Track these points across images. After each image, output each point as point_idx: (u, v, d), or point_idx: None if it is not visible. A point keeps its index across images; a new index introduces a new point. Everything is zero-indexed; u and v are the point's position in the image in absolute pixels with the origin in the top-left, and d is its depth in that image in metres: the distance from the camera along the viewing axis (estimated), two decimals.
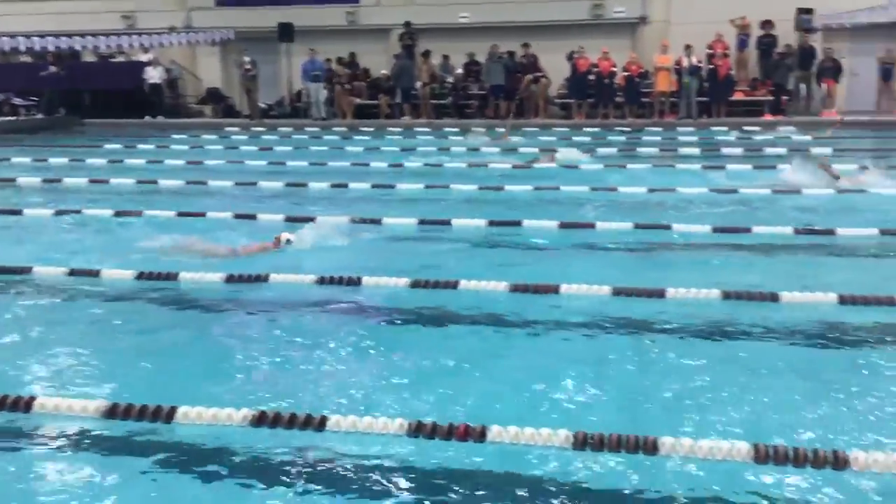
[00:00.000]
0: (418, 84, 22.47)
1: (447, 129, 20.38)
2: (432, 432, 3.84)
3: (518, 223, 8.69)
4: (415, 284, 6.35)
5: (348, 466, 3.74)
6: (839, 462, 3.36)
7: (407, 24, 22.99)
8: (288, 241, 7.51)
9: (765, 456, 3.45)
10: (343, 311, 6.02)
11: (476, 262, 7.58)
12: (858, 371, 4.82)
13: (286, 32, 23.32)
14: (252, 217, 9.24)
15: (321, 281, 6.50)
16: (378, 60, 23.74)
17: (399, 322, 5.89)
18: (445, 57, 23.04)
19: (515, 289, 6.18)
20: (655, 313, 5.78)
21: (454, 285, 6.28)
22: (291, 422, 3.96)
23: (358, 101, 23.30)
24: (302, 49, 23.06)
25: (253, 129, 21.60)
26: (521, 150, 15.85)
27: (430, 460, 3.76)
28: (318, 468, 3.75)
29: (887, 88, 20.36)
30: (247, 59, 22.69)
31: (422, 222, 8.83)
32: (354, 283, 6.45)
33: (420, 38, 23.16)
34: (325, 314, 5.99)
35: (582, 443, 3.67)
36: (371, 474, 3.67)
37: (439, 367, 4.95)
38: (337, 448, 3.88)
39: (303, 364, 5.05)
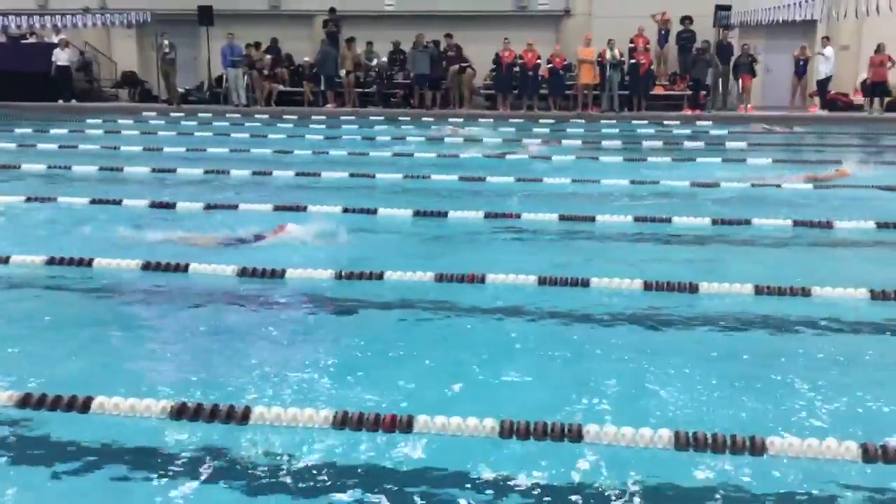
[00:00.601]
0: (342, 72, 22.25)
1: (372, 118, 20.26)
2: (359, 423, 3.80)
3: (445, 214, 8.68)
4: (339, 276, 6.28)
5: (273, 461, 3.67)
6: (756, 447, 3.45)
7: (331, 10, 22.73)
8: (293, 230, 7.51)
9: (685, 442, 3.52)
10: (267, 304, 5.92)
11: (402, 251, 7.55)
12: (774, 358, 4.96)
13: (206, 16, 22.78)
14: (171, 206, 9.00)
15: (242, 273, 6.37)
16: (302, 47, 23.40)
17: (323, 314, 5.82)
18: (370, 44, 22.88)
19: (441, 278, 6.17)
20: (580, 303, 5.85)
21: (379, 276, 6.23)
22: (213, 414, 3.87)
23: (281, 87, 22.94)
24: (223, 33, 22.57)
25: (172, 114, 21.06)
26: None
27: (356, 452, 3.72)
28: (240, 462, 3.67)
29: (800, 85, 21.05)
30: (165, 42, 22.09)
31: (346, 211, 8.74)
32: (279, 275, 6.33)
33: (344, 25, 22.93)
34: (249, 307, 5.87)
35: (509, 431, 3.69)
36: (297, 466, 3.61)
37: (365, 359, 4.91)
38: (260, 441, 3.80)
39: (224, 356, 4.94)
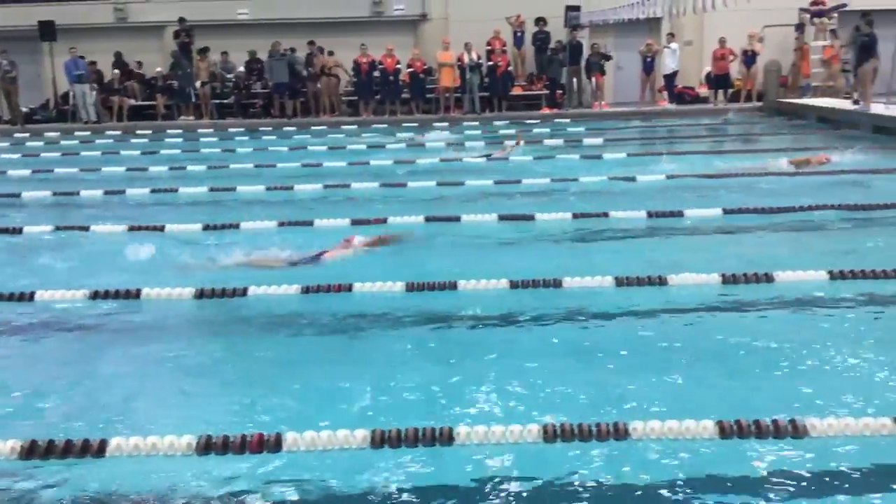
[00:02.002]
0: (197, 83, 21.62)
1: (232, 130, 19.79)
2: (224, 447, 3.67)
3: (310, 223, 8.55)
4: (200, 294, 6.07)
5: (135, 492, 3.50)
6: (620, 433, 3.55)
7: (181, 20, 22.01)
8: (360, 244, 7.30)
9: (553, 434, 3.58)
10: (124, 329, 5.65)
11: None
12: (635, 348, 5.13)
13: (48, 31, 21.62)
14: (18, 231, 8.49)
15: (94, 296, 6.06)
16: (153, 59, 22.59)
17: (182, 335, 5.61)
18: (225, 54, 22.33)
19: (307, 290, 6.07)
20: (450, 305, 5.88)
21: (243, 293, 6.06)
22: (67, 450, 3.65)
23: (132, 102, 22.08)
24: (67, 48, 21.48)
25: (15, 135, 19.89)
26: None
27: (223, 477, 3.60)
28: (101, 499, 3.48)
29: (649, 80, 21.95)
30: (4, 60, 20.85)
31: (206, 228, 8.48)
32: (133, 295, 6.07)
33: (197, 35, 22.26)
34: (105, 331, 5.60)
35: (380, 441, 3.64)
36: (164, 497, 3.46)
37: (226, 379, 4.76)
38: (118, 473, 3.62)
39: (75, 388, 4.68)
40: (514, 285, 6.12)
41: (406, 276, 6.23)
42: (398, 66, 21.38)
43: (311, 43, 21.62)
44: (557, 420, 3.71)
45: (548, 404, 4.25)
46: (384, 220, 8.51)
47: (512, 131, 17.02)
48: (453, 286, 6.11)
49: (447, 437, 3.63)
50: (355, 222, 8.46)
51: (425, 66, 21.67)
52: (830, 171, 10.96)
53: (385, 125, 20.04)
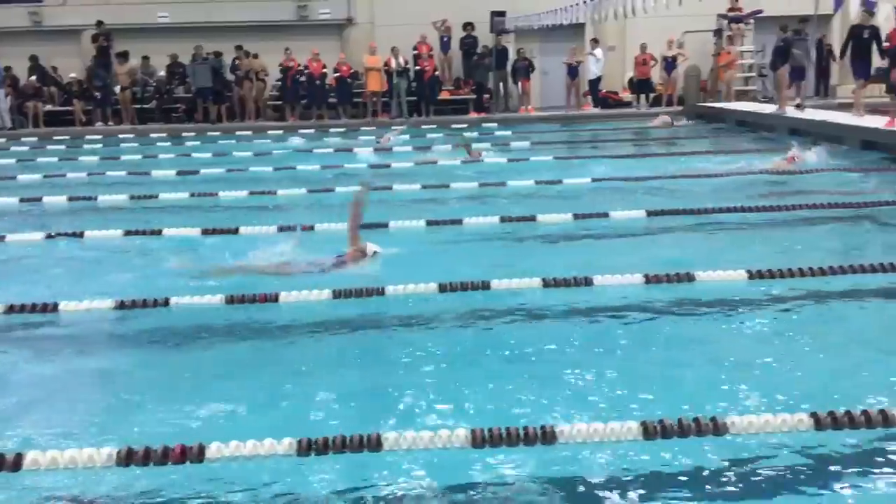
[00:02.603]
0: (117, 88, 21.09)
1: (153, 135, 19.37)
2: (146, 458, 3.57)
3: (235, 231, 8.40)
4: (121, 305, 5.90)
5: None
6: (547, 437, 3.57)
7: (99, 23, 21.43)
8: (375, 252, 7.03)
9: (481, 440, 3.58)
10: (34, 340, 5.46)
11: (193, 274, 7.19)
12: (563, 348, 5.18)
13: None
14: None
15: (10, 310, 5.84)
16: (70, 63, 21.95)
17: (105, 345, 5.45)
18: (146, 59, 21.84)
19: (232, 300, 5.96)
20: (377, 310, 5.85)
21: (165, 303, 5.91)
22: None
23: (49, 107, 21.42)
24: None
25: None
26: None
27: (147, 489, 3.50)
28: None
29: (574, 85, 22.28)
30: None
31: (128, 234, 8.26)
32: (51, 309, 5.86)
33: (116, 39, 21.70)
34: (21, 345, 5.40)
35: (307, 448, 3.59)
36: None
37: (145, 390, 4.64)
38: (34, 488, 3.48)
39: None
40: (442, 288, 6.11)
41: (333, 284, 6.17)
42: (324, 70, 21.23)
43: (239, 47, 21.33)
44: (485, 424, 3.72)
45: (477, 408, 4.25)
46: (311, 228, 8.42)
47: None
48: (381, 292, 6.08)
49: (375, 444, 3.59)
50: (281, 229, 8.35)
51: (352, 71, 21.57)
52: (750, 172, 11.27)
53: (312, 130, 19.87)
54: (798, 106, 16.63)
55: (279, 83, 21.78)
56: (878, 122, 13.79)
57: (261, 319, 5.76)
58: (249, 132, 19.61)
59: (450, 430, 3.63)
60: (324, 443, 3.61)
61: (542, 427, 3.60)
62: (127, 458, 3.56)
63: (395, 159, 14.13)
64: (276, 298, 5.96)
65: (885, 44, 13.32)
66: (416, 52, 21.77)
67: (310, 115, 21.57)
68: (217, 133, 19.54)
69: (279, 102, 21.99)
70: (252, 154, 15.51)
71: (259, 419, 4.19)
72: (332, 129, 19.99)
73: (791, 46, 16.30)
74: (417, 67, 21.61)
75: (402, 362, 4.98)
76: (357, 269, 6.74)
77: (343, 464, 3.62)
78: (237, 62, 21.30)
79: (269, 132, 19.57)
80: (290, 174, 12.76)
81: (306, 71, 21.09)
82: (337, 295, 6.03)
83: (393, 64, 21.25)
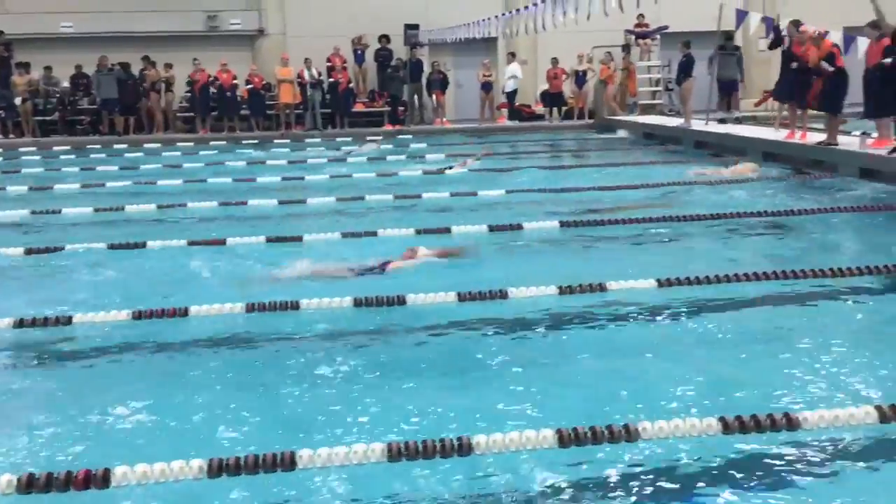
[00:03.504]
0: (17, 99, 20.29)
1: (56, 148, 18.72)
2: (47, 485, 3.41)
3: (143, 245, 8.17)
4: (20, 324, 5.65)
5: None
6: (464, 449, 3.56)
7: None
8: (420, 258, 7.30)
9: (398, 453, 3.54)
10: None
11: (98, 290, 6.94)
12: (478, 362, 5.19)
13: None
14: None
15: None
16: None
17: (2, 367, 5.21)
18: (48, 69, 21.08)
19: (139, 315, 5.78)
20: (293, 325, 5.78)
21: (67, 321, 5.69)
22: None
23: None
24: None
25: None
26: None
27: None
28: None
29: (488, 98, 22.49)
30: None
31: (29, 252, 7.93)
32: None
33: (17, 49, 20.89)
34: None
35: (217, 470, 3.49)
36: None
37: (45, 413, 4.45)
38: None
39: None
40: (357, 303, 6.06)
41: (246, 299, 6.05)
42: (235, 81, 20.90)
43: (146, 58, 20.83)
44: (402, 438, 3.69)
45: (389, 424, 4.21)
46: (223, 242, 8.26)
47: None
48: (296, 306, 5.99)
49: (289, 463, 3.52)
50: (192, 243, 8.16)
51: (264, 82, 21.30)
52: (658, 184, 11.56)
53: (224, 142, 19.53)
54: (736, 119, 16.78)
55: (188, 94, 21.33)
56: (779, 135, 14.34)
57: (172, 335, 5.60)
58: (158, 144, 19.14)
59: (366, 445, 3.59)
60: (235, 464, 3.51)
61: (459, 439, 3.59)
62: (28, 485, 3.39)
63: (310, 172, 14.00)
64: (185, 313, 5.81)
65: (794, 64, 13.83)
66: (329, 63, 21.65)
67: (221, 128, 21.19)
68: (124, 146, 19.00)
69: (190, 114, 21.54)
70: (161, 167, 15.13)
71: (156, 442, 4.06)
72: (244, 142, 19.68)
73: (694, 63, 16.81)
74: (331, 79, 21.50)
75: (314, 378, 4.90)
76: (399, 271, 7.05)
77: (258, 486, 3.54)
78: (144, 73, 20.77)
79: (179, 144, 19.14)
80: (200, 187, 12.49)
81: (216, 82, 20.72)
82: (250, 309, 5.91)
83: (306, 76, 21.09)
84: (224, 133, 20.83)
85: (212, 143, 19.42)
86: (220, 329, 5.72)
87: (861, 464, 3.76)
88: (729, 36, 15.90)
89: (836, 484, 3.59)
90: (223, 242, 8.25)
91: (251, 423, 4.27)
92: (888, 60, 11.11)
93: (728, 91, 16.48)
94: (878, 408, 3.84)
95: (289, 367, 5.09)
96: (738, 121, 16.53)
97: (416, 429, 4.10)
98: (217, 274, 7.40)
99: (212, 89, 20.77)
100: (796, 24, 13.33)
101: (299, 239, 8.40)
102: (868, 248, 8.15)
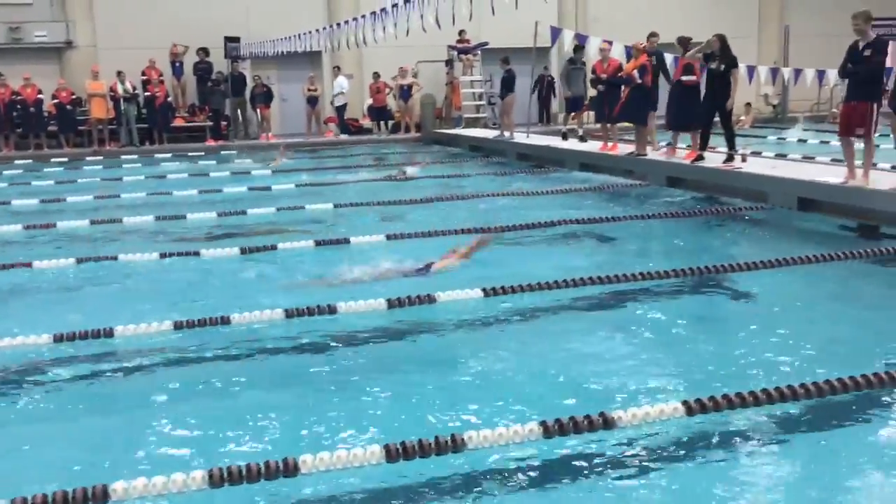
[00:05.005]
0: None
1: None
2: None
3: None
4: None
5: None
6: (289, 469, 3.47)
7: None
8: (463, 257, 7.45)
9: (219, 479, 3.41)
10: None
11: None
12: (308, 379, 5.11)
13: None
14: None
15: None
16: None
17: None
18: None
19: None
20: (106, 350, 5.51)
21: None
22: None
23: None
24: None
25: None
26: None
27: None
28: None
29: (314, 112, 22.30)
30: None
31: None
32: None
33: None
34: None
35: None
36: None
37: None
38: None
39: None
40: (178, 326, 5.81)
41: (57, 327, 5.67)
42: (40, 96, 19.63)
43: None
44: (223, 464, 3.56)
45: (211, 448, 4.06)
46: (29, 265, 7.73)
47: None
48: (109, 334, 5.67)
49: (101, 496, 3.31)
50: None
51: (73, 97, 20.12)
52: (478, 195, 11.83)
53: (30, 160, 18.29)
54: (581, 137, 16.28)
55: None
56: (594, 146, 15.06)
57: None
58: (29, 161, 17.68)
59: (185, 474, 3.42)
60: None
61: (285, 459, 3.49)
62: None
63: (125, 190, 13.35)
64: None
65: (591, 75, 14.51)
66: (144, 77, 20.77)
67: (27, 145, 19.83)
68: None
69: None
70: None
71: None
72: (53, 160, 18.52)
73: (515, 78, 17.34)
74: (147, 93, 20.62)
75: (140, 404, 4.66)
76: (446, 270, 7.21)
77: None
78: None
79: None
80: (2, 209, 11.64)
81: (19, 98, 19.37)
82: (58, 339, 5.57)
83: (119, 89, 20.12)
84: (31, 150, 19.50)
85: (16, 161, 18.12)
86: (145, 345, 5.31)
87: (670, 456, 3.97)
88: (578, 48, 16.16)
89: (649, 480, 3.76)
90: (29, 265, 7.70)
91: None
92: (694, 77, 11.96)
93: (576, 106, 16.56)
94: (685, 402, 4.07)
95: (109, 392, 4.82)
96: (583, 139, 16.41)
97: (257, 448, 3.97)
98: (26, 299, 6.93)
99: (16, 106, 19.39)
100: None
101: (115, 258, 8.00)
102: (673, 251, 8.68)
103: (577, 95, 16.47)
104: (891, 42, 9.90)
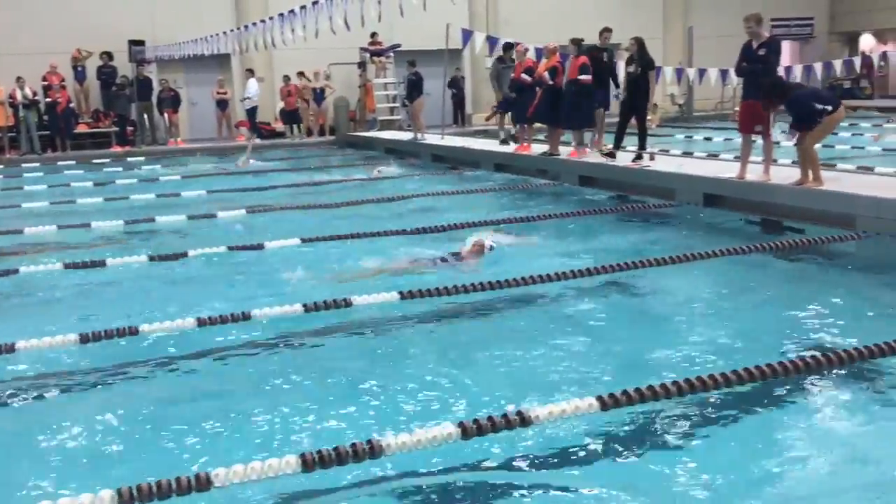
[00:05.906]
0: None
1: None
2: None
3: None
4: None
5: None
6: (202, 483, 3.39)
7: None
8: (491, 247, 7.52)
9: (129, 498, 3.30)
10: None
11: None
12: (228, 387, 5.03)
13: None
14: None
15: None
16: None
17: None
18: None
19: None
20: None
21: None
22: None
23: None
24: None
25: None
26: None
27: None
28: None
29: (225, 116, 21.89)
30: None
31: None
32: None
33: None
34: None
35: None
36: None
37: None
38: None
39: None
40: (84, 339, 5.61)
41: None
42: None
43: None
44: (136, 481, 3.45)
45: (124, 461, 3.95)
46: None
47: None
48: (11, 349, 5.44)
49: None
50: None
51: None
52: (403, 197, 11.83)
53: None
54: (513, 138, 16.11)
55: None
56: (509, 147, 15.23)
57: None
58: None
59: (94, 495, 3.31)
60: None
61: (195, 476, 3.41)
62: None
63: (30, 199, 12.86)
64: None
65: (513, 75, 14.61)
66: (45, 82, 20.02)
67: None
68: None
69: None
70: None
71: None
72: None
73: (423, 80, 17.35)
74: (48, 99, 19.88)
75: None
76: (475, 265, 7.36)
77: None
78: None
79: None
80: None
81: None
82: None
83: (18, 96, 19.36)
84: None
85: None
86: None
87: (587, 453, 4.03)
88: (507, 49, 15.96)
89: (564, 478, 3.82)
90: None
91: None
92: (585, 77, 12.16)
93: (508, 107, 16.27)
94: (600, 398, 4.15)
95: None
96: (514, 138, 16.12)
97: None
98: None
99: None
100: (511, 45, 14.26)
101: (16, 272, 7.69)
102: (584, 250, 8.80)
103: (508, 95, 16.23)
104: (783, 42, 10.29)
